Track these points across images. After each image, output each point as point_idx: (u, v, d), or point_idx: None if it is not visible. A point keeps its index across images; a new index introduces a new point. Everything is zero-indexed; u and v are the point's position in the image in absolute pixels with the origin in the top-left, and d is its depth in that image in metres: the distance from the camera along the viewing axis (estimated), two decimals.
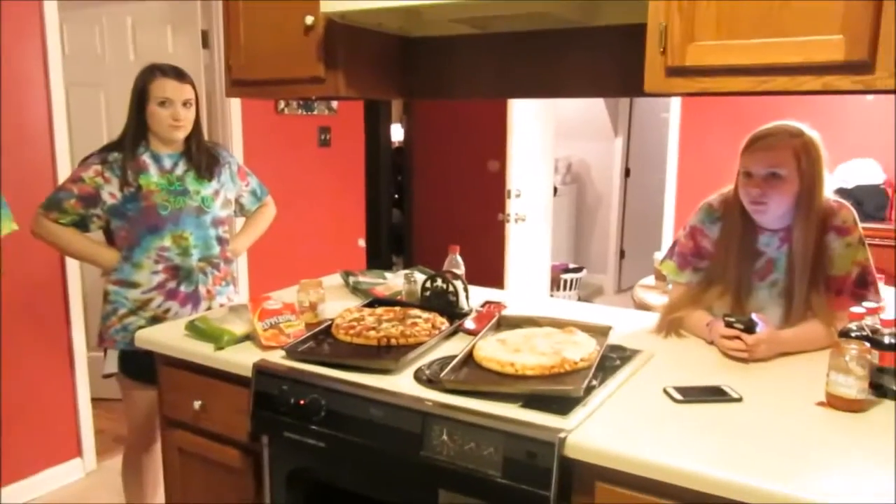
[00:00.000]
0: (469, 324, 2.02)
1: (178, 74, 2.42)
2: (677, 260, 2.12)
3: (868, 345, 1.54)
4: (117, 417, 3.63)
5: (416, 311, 2.05)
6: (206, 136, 2.62)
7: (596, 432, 1.43)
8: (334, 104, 4.57)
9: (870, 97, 4.35)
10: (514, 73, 2.31)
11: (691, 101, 4.99)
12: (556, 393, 1.55)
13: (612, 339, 1.86)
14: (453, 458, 1.52)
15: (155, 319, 2.40)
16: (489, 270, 4.30)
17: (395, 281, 2.43)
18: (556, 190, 5.76)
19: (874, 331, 1.59)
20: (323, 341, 1.93)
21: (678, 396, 1.58)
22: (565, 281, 6.25)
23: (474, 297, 2.24)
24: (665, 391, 1.60)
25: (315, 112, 4.46)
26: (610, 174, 7.03)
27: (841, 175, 4.54)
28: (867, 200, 4.44)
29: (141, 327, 2.29)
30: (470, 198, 5.23)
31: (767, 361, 1.80)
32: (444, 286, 2.14)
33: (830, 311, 1.86)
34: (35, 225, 2.40)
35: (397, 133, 6.18)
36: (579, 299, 5.94)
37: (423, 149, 5.73)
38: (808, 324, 1.87)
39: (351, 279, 2.53)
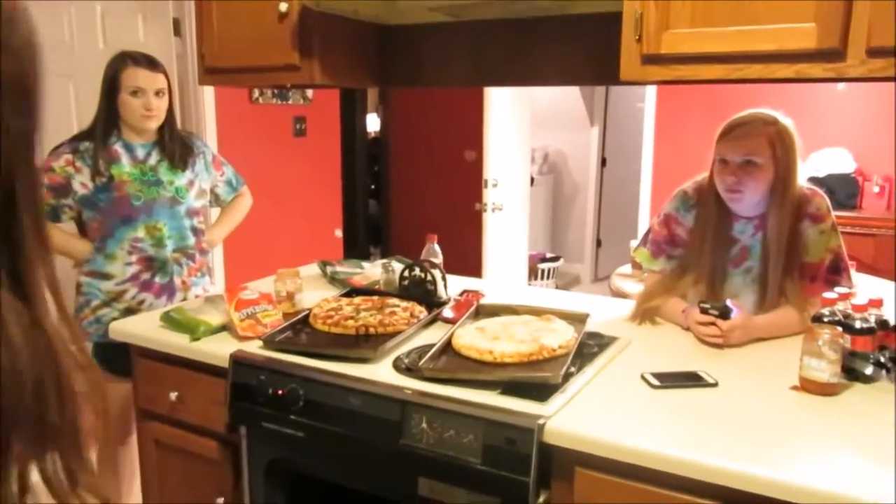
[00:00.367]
0: (447, 312, 2.02)
1: (151, 63, 2.39)
2: (651, 248, 2.13)
3: (840, 329, 1.56)
4: None
5: (395, 300, 2.05)
6: (179, 126, 2.59)
7: (575, 418, 1.44)
8: (309, 93, 4.52)
9: (841, 86, 4.41)
10: (489, 62, 2.30)
11: (666, 90, 5.03)
12: (535, 380, 1.56)
13: (590, 326, 1.87)
14: (433, 445, 1.52)
15: (129, 311, 2.37)
16: (467, 260, 4.30)
17: (372, 270, 2.42)
18: (532, 180, 5.77)
19: (846, 315, 1.61)
20: (301, 331, 1.92)
21: (655, 382, 1.59)
22: (543, 270, 6.27)
23: (452, 286, 2.24)
24: (642, 377, 1.62)
25: (290, 101, 4.42)
26: (586, 164, 7.05)
27: (813, 164, 4.60)
28: (839, 189, 4.50)
29: (115, 319, 2.27)
30: (447, 188, 5.22)
31: (742, 347, 1.82)
32: (423, 275, 2.14)
33: (804, 297, 1.88)
34: None
35: (373, 123, 6.15)
36: (557, 288, 5.96)
37: (400, 139, 5.71)
38: (782, 310, 1.90)
39: (328, 269, 2.52)
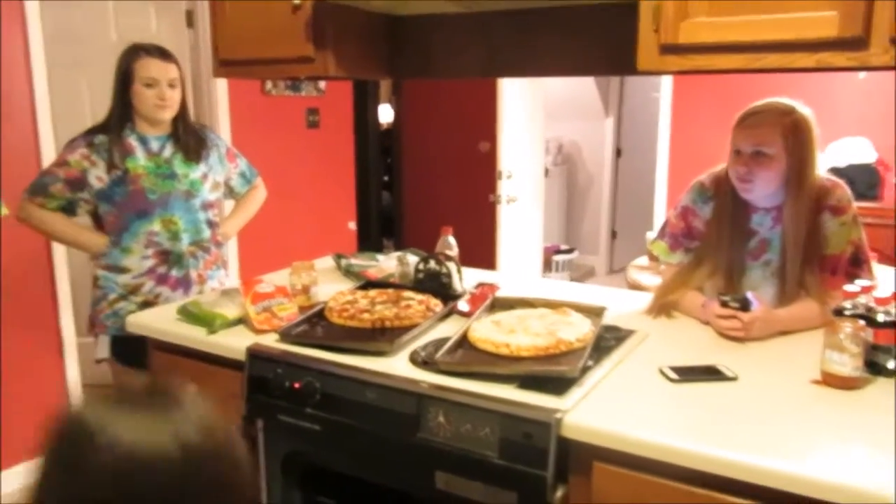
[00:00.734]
0: (463, 305, 2.01)
1: (163, 54, 2.39)
2: (668, 240, 2.11)
3: (862, 322, 1.54)
4: None
5: (410, 293, 2.04)
6: (192, 118, 2.59)
7: (592, 412, 1.43)
8: (322, 84, 4.51)
9: (861, 75, 4.34)
10: (502, 52, 2.28)
11: (683, 80, 4.97)
12: (552, 373, 1.55)
13: (607, 319, 1.86)
14: (449, 439, 1.51)
15: (146, 304, 2.38)
16: (481, 252, 4.28)
17: (387, 263, 2.41)
18: (546, 171, 5.73)
19: (868, 309, 1.59)
20: (316, 324, 1.91)
21: (674, 376, 1.57)
22: (557, 262, 6.24)
23: (467, 278, 2.23)
24: (661, 371, 1.60)
25: (303, 93, 4.41)
26: (601, 154, 6.97)
27: (833, 154, 4.54)
28: (859, 179, 4.44)
29: (132, 312, 2.27)
30: (460, 179, 5.19)
31: (762, 341, 1.80)
32: (438, 268, 2.13)
33: (824, 290, 1.86)
34: (20, 210, 2.37)
35: (386, 114, 6.12)
36: (571, 281, 5.94)
37: (413, 130, 5.68)
38: (803, 303, 1.87)
39: (343, 262, 2.51)
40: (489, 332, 1.72)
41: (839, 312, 1.60)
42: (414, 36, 2.34)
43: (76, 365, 3.39)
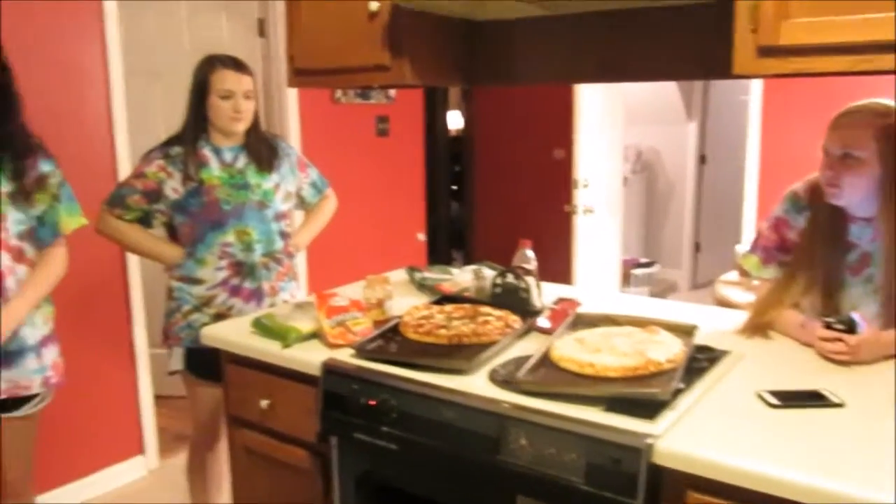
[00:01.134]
0: (543, 322, 1.93)
1: (238, 66, 2.39)
2: (761, 254, 1.99)
3: None
4: (179, 415, 3.65)
5: (487, 309, 1.97)
6: (263, 128, 2.58)
7: (686, 438, 1.35)
8: (392, 92, 4.49)
9: None
10: (584, 57, 2.20)
11: (774, 81, 4.69)
12: (642, 396, 1.46)
13: (698, 339, 1.76)
14: (532, 463, 1.45)
15: (219, 316, 2.37)
16: (555, 265, 4.18)
17: (462, 277, 2.35)
18: (625, 179, 5.55)
19: None
20: (391, 340, 1.87)
21: (774, 401, 1.47)
22: (636, 276, 6.03)
23: (546, 293, 2.16)
24: (759, 395, 1.50)
25: (372, 101, 4.40)
26: (683, 161, 6.70)
27: None
28: None
29: (205, 324, 2.27)
30: (534, 188, 5.09)
31: (869, 365, 1.67)
32: (516, 282, 2.06)
33: None
34: (100, 222, 2.39)
35: (455, 121, 6.06)
36: (651, 296, 5.76)
37: (484, 137, 5.60)
38: None
39: (416, 275, 2.46)
40: (573, 350, 1.64)
41: None
42: (492, 41, 2.28)
43: (148, 376, 3.43)
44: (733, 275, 3.58)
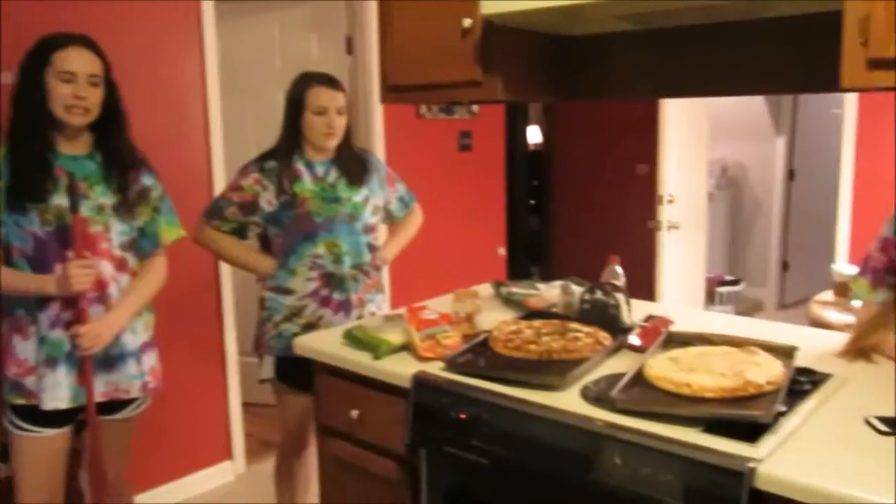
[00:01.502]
0: (634, 340, 1.91)
1: (332, 83, 2.44)
2: (870, 277, 1.91)
3: None
4: (265, 422, 3.73)
5: (576, 325, 1.96)
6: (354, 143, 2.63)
7: (790, 463, 1.30)
8: (475, 107, 4.51)
9: None
10: (676, 72, 2.17)
11: (871, 94, 4.51)
12: (743, 418, 1.42)
13: (798, 360, 1.70)
14: (626, 483, 1.42)
15: (309, 326, 2.42)
16: (637, 281, 4.10)
17: (549, 292, 2.34)
18: (710, 195, 5.40)
19: None
20: (481, 354, 1.86)
21: (884, 428, 1.41)
22: (721, 294, 5.87)
23: (634, 310, 2.12)
24: (867, 421, 1.44)
25: (455, 116, 4.43)
26: (770, 177, 6.48)
27: None
28: None
29: (296, 334, 2.32)
30: (615, 203, 5.02)
31: None
32: (605, 299, 2.04)
33: None
34: (198, 233, 2.48)
35: (533, 135, 6.05)
36: (737, 314, 5.58)
37: (564, 151, 5.57)
38: None
39: (503, 290, 2.46)
40: (667, 369, 1.61)
41: None
42: (582, 56, 2.27)
43: (237, 383, 3.51)
44: (828, 294, 3.44)
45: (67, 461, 2.20)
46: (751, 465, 1.30)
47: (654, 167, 4.34)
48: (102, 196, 2.10)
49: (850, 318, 1.99)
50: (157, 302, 2.29)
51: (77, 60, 2.01)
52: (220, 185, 3.19)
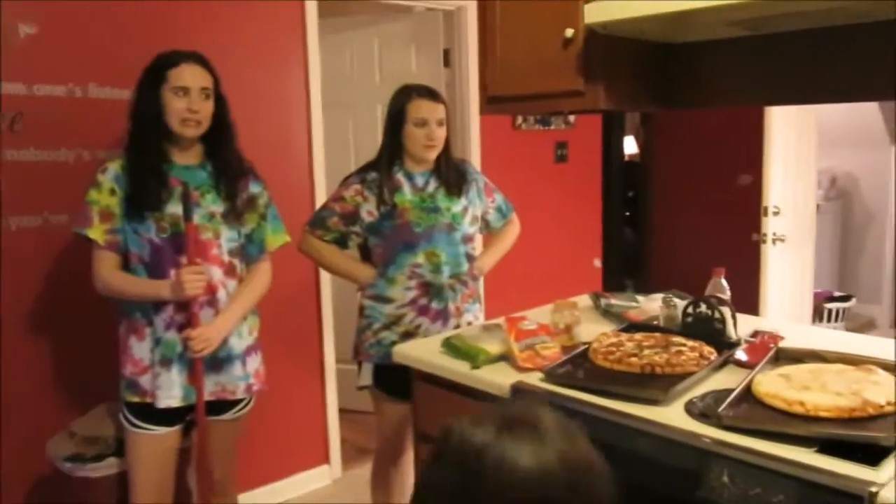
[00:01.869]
0: (740, 355, 1.85)
1: (432, 95, 2.47)
2: None
3: None
4: (359, 429, 3.79)
5: (679, 339, 1.91)
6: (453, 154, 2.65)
7: None
8: (572, 118, 4.48)
9: None
10: (786, 78, 2.10)
11: None
12: (862, 439, 1.36)
13: None
14: (734, 501, 1.38)
15: (407, 334, 2.44)
16: (740, 295, 3.97)
17: (649, 305, 2.29)
18: (818, 207, 5.17)
19: None
20: (580, 365, 1.85)
21: None
22: (830, 311, 5.60)
23: (740, 325, 2.06)
24: None
25: (552, 126, 4.41)
26: (884, 188, 6.12)
27: None
28: None
29: (394, 342, 2.36)
30: (715, 215, 4.87)
31: None
32: (709, 312, 1.98)
33: None
34: (302, 241, 2.55)
35: (629, 145, 5.95)
36: (847, 332, 5.31)
37: (661, 162, 5.45)
38: None
39: (602, 301, 2.43)
40: (778, 387, 1.55)
41: None
42: (686, 63, 2.23)
43: (335, 390, 3.58)
44: None
45: (177, 460, 2.30)
46: (872, 489, 1.24)
47: (759, 177, 4.18)
48: (213, 204, 2.19)
49: None
50: (261, 307, 2.36)
51: (190, 76, 2.11)
52: (321, 196, 3.27)
